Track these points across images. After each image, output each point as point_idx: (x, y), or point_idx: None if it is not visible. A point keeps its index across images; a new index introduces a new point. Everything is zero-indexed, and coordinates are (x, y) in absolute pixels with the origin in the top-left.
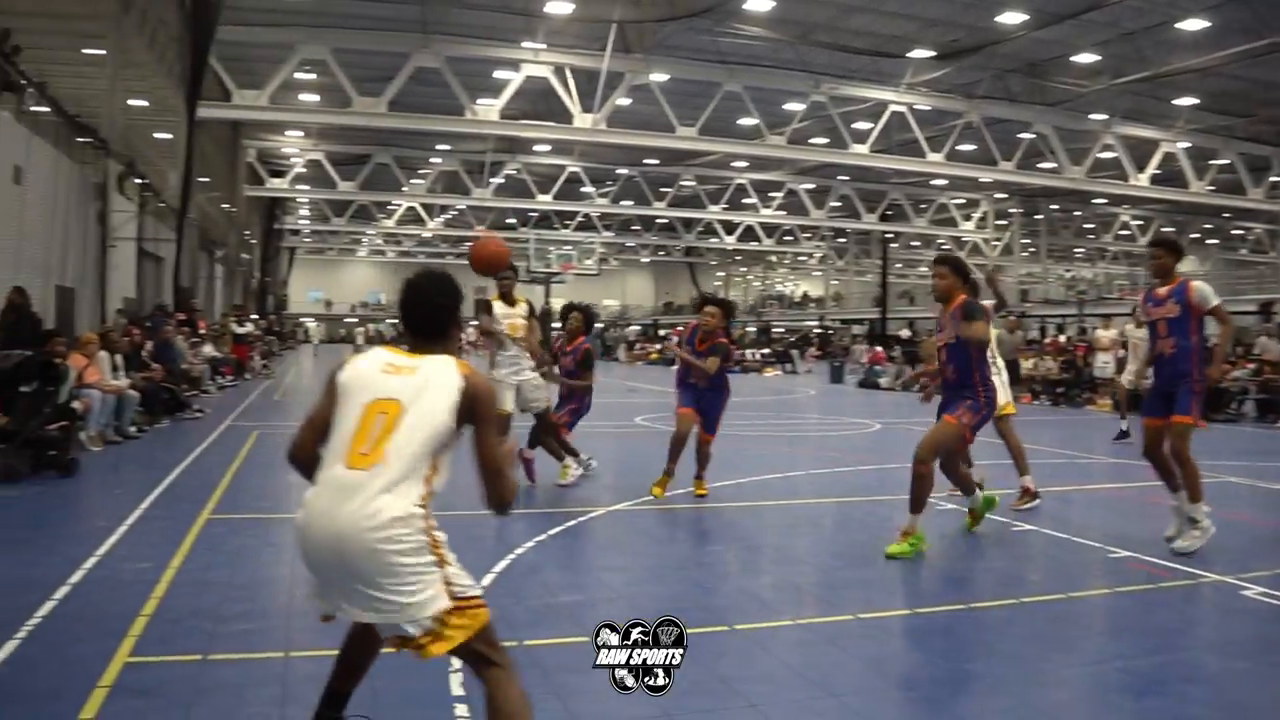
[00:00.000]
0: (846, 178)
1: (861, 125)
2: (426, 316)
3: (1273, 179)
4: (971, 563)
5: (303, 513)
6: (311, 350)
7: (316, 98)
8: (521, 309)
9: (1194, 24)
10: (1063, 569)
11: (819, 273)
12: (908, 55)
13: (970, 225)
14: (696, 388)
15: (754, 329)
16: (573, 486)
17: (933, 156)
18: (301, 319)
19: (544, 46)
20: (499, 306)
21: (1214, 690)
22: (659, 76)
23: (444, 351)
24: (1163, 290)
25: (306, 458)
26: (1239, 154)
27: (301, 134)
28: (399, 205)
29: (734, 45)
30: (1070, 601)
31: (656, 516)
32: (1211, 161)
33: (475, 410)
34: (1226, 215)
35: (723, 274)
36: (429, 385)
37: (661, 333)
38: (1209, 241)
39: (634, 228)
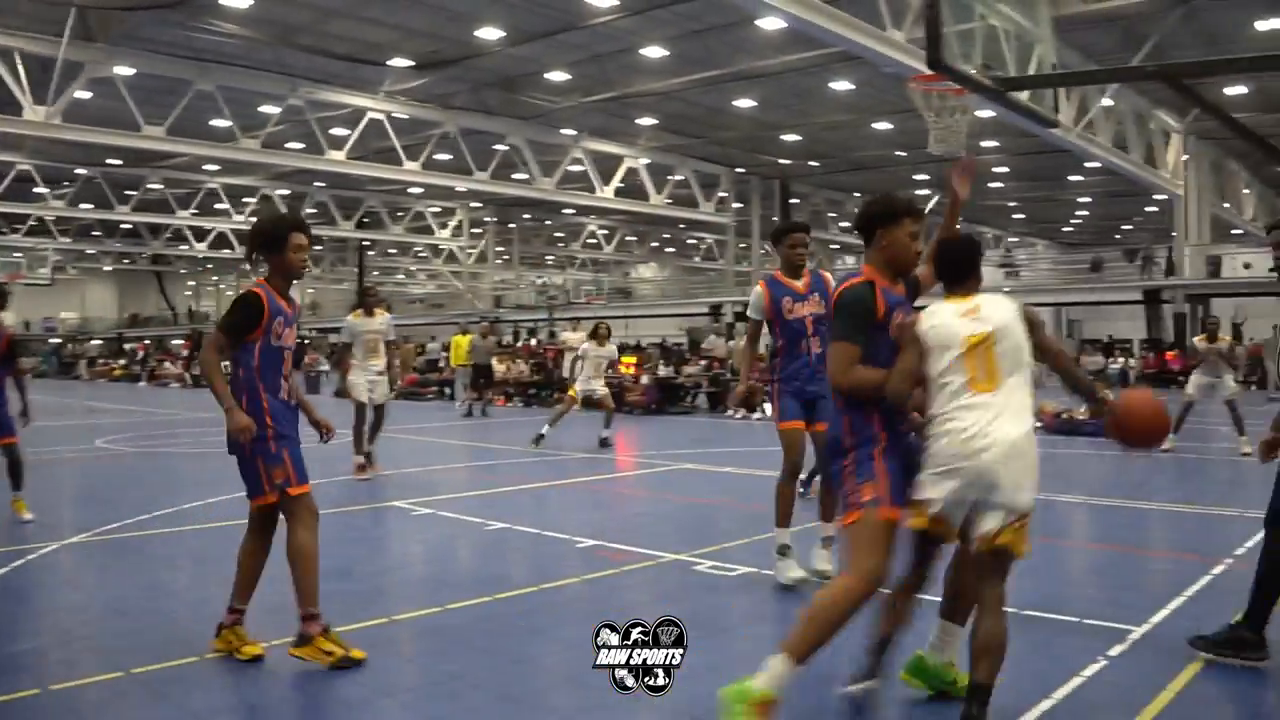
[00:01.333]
0: (323, 184)
1: (339, 131)
2: (964, 260)
3: (720, 194)
4: (447, 565)
5: (952, 436)
6: None
7: None
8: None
9: (655, 51)
10: (535, 562)
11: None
12: (387, 63)
13: (446, 233)
14: None
15: None
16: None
17: (409, 165)
18: None
19: None
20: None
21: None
22: (124, 70)
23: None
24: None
25: (901, 398)
26: (693, 171)
27: None
28: None
29: (208, 42)
30: (543, 593)
31: (120, 546)
32: (669, 177)
33: (1031, 327)
34: (682, 226)
35: (193, 283)
36: (1003, 318)
37: (127, 346)
38: (667, 250)
39: (95, 233)
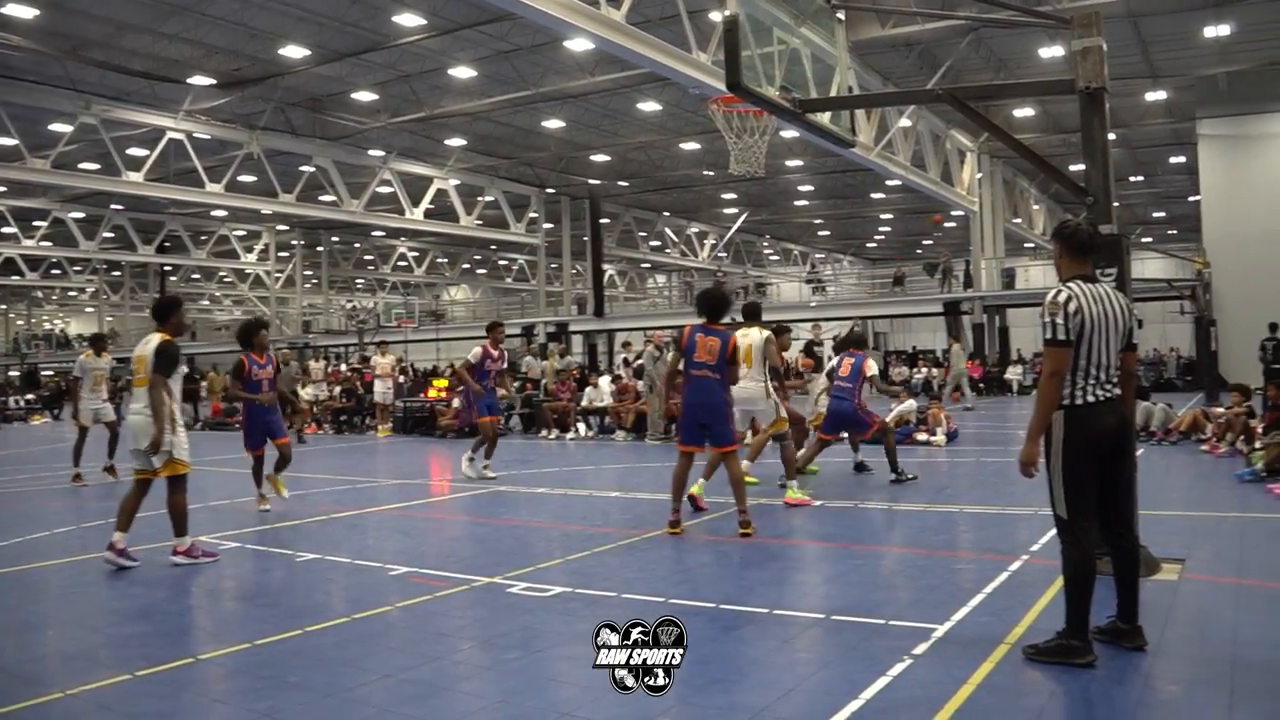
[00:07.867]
0: (120, 207)
1: (137, 152)
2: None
3: (531, 215)
4: (257, 599)
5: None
6: None
7: None
8: None
9: (463, 72)
10: (348, 592)
11: (92, 309)
12: (187, 81)
13: (253, 257)
14: None
15: (18, 373)
16: None
17: (212, 187)
18: None
19: None
20: None
21: (487, 683)
22: None
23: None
24: None
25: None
26: (503, 192)
27: None
28: None
29: None
30: (356, 623)
31: None
32: (479, 198)
33: None
34: (493, 247)
35: None
36: None
37: None
38: (479, 271)
39: None
